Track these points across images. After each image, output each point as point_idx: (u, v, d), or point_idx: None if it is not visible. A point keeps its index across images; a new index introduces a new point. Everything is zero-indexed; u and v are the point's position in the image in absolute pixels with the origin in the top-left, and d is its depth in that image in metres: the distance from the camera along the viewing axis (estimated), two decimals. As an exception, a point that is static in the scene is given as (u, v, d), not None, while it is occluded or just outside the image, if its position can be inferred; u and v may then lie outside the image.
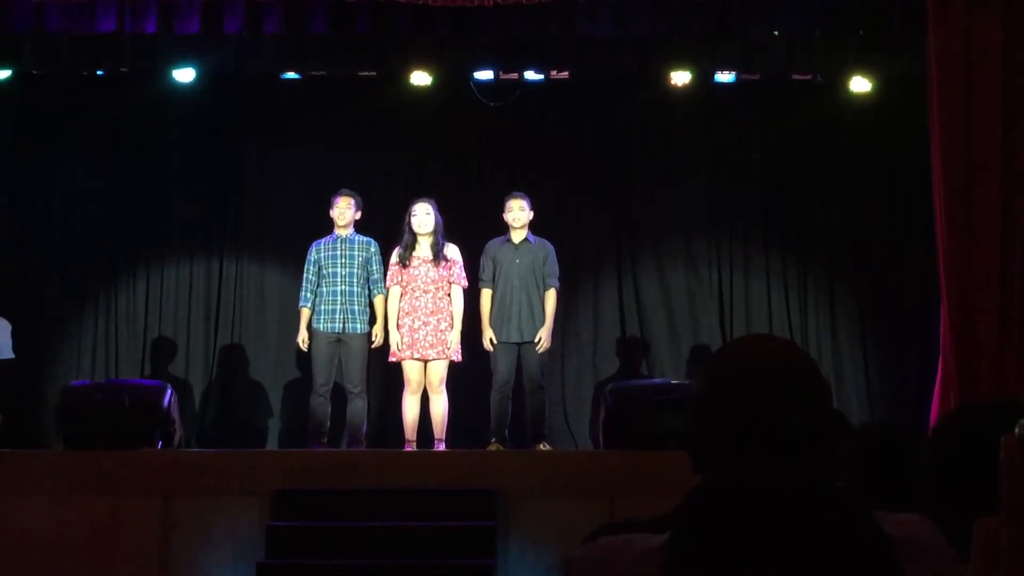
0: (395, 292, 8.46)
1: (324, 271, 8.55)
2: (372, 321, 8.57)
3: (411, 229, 8.45)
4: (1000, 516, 1.87)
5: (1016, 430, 1.83)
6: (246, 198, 10.08)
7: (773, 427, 1.67)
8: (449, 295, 8.44)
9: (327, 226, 8.71)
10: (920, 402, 8.84)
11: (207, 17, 8.41)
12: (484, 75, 9.55)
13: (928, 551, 1.66)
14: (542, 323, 8.50)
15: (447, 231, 8.55)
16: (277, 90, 9.93)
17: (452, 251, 8.51)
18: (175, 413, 8.20)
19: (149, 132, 10.00)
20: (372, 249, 8.64)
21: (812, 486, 1.53)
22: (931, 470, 2.21)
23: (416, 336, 8.34)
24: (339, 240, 8.60)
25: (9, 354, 8.84)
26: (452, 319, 8.42)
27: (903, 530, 1.66)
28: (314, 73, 9.61)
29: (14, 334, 8.89)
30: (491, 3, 8.11)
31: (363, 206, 8.74)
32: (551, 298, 8.56)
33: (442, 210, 8.56)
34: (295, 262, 9.10)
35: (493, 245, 8.66)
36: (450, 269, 8.45)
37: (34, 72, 9.36)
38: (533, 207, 8.62)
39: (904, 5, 8.35)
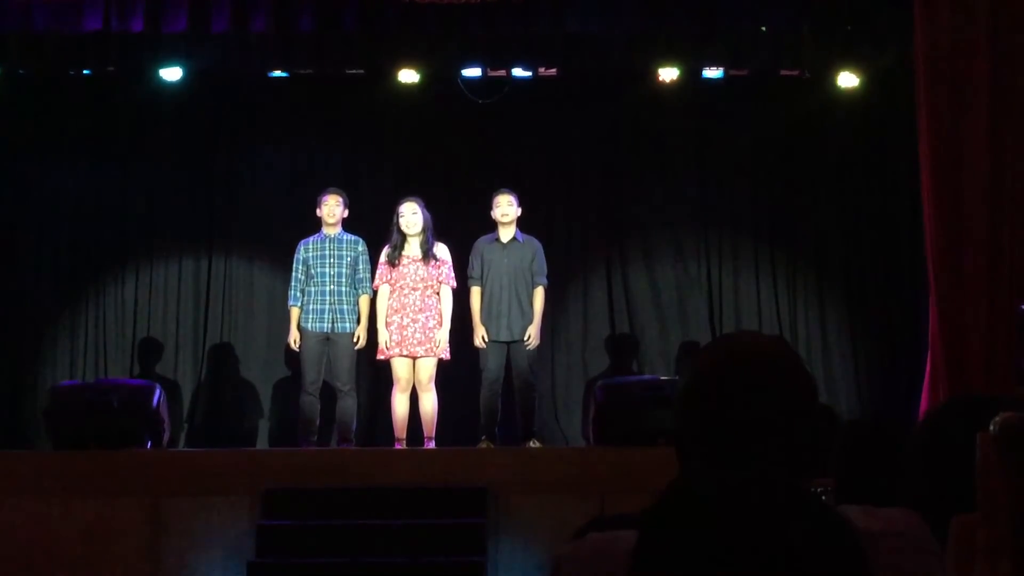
0: (384, 291, 8.44)
1: (312, 270, 8.53)
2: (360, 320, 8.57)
3: (399, 229, 8.43)
4: (976, 513, 1.87)
5: (991, 427, 1.83)
6: (234, 197, 10.06)
7: (755, 422, 1.66)
8: (438, 294, 8.43)
9: (315, 225, 8.70)
10: (910, 397, 8.84)
11: (194, 16, 8.38)
12: (472, 72, 9.53)
13: (912, 545, 1.66)
14: (531, 321, 8.49)
15: (435, 229, 8.54)
16: (265, 88, 9.91)
17: (442, 251, 8.50)
18: (164, 413, 8.18)
19: (136, 131, 9.96)
20: (360, 248, 8.63)
21: (782, 482, 1.53)
22: (913, 466, 2.22)
23: (405, 334, 8.33)
24: (327, 239, 8.58)
25: None
26: (440, 317, 8.41)
27: (887, 524, 1.66)
28: (302, 71, 9.58)
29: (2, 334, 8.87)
30: (478, 0, 8.09)
31: (351, 204, 8.73)
32: (539, 296, 8.56)
33: (430, 208, 8.55)
34: (283, 261, 9.08)
35: (482, 243, 8.66)
36: (439, 268, 8.43)
37: (20, 71, 9.33)
38: (521, 204, 8.61)
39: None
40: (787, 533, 1.46)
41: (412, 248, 8.43)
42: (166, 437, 8.26)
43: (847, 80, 9.32)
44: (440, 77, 9.48)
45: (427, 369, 8.36)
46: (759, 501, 1.49)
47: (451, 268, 8.50)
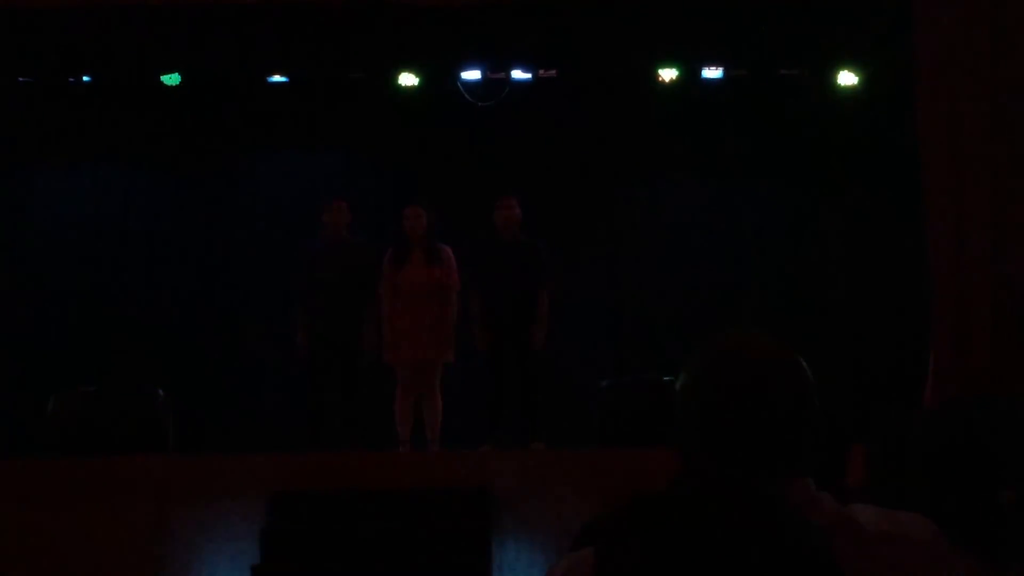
0: (388, 295, 8.44)
1: (318, 276, 8.52)
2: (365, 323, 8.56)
3: (403, 232, 8.44)
4: None
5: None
6: (237, 203, 10.07)
7: (753, 421, 1.66)
8: (442, 296, 8.43)
9: (319, 230, 8.69)
10: (913, 398, 8.83)
11: (195, 21, 8.39)
12: (472, 75, 9.54)
13: (922, 551, 1.66)
14: (535, 322, 8.48)
15: (438, 232, 8.54)
16: (265, 93, 9.91)
17: (445, 254, 8.50)
18: (168, 418, 8.18)
19: (138, 137, 9.96)
20: (365, 252, 8.62)
21: (754, 488, 1.52)
22: (915, 466, 2.22)
23: (409, 337, 8.33)
24: (332, 245, 8.58)
25: None
26: (445, 320, 8.40)
27: (900, 528, 1.66)
28: (302, 76, 9.59)
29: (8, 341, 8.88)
30: (478, 3, 8.09)
31: (353, 209, 8.72)
32: (544, 297, 8.55)
33: (433, 211, 8.55)
34: (288, 266, 9.07)
35: (484, 246, 8.65)
36: (443, 271, 8.43)
37: (20, 79, 9.33)
38: (523, 206, 8.61)
39: (891, -1, 8.37)
40: (751, 542, 1.45)
41: (416, 251, 8.44)
42: (171, 442, 8.25)
43: (847, 79, 9.32)
44: (439, 80, 9.49)
45: (432, 372, 8.36)
46: (722, 510, 1.48)
47: (455, 271, 8.50)
